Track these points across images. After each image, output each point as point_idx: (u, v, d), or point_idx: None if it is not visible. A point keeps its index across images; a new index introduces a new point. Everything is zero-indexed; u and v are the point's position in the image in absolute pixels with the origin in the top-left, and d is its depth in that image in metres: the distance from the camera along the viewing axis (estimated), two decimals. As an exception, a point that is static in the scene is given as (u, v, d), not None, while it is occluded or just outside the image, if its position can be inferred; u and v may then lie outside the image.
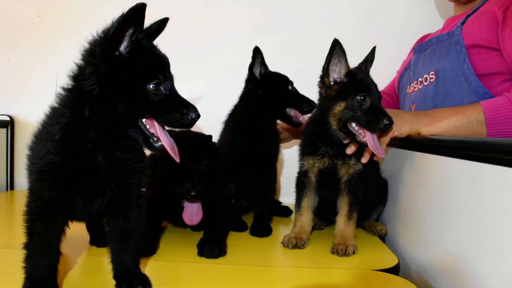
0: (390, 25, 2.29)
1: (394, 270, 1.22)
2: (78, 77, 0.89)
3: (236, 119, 1.69)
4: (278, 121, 1.75)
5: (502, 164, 0.89)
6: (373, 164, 1.59)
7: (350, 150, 1.38)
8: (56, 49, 2.31)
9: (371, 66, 1.45)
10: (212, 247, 1.26)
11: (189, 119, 0.92)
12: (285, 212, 1.95)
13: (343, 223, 1.40)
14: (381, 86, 1.38)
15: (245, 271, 1.16)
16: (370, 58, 1.45)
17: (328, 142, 1.41)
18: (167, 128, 0.96)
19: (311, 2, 2.33)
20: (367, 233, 1.61)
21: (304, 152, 1.48)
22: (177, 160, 0.96)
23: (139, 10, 0.84)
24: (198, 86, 2.29)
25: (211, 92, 2.29)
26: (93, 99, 0.86)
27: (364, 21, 2.30)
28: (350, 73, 1.36)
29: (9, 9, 2.39)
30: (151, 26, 0.98)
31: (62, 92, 0.92)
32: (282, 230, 1.64)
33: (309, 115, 1.60)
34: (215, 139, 1.70)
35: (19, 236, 0.93)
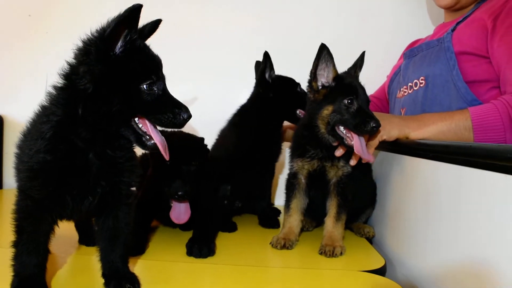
0: (381, 30, 2.32)
1: (381, 271, 1.23)
2: (71, 75, 0.89)
3: (246, 120, 1.74)
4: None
5: (487, 169, 0.91)
6: (366, 166, 1.61)
7: (339, 152, 1.39)
8: (46, 48, 2.30)
9: (360, 71, 1.47)
10: (201, 247, 1.26)
11: (181, 119, 0.94)
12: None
13: (331, 224, 1.41)
14: (371, 91, 1.39)
15: (234, 271, 1.17)
16: (359, 63, 1.47)
17: (317, 145, 1.42)
18: (159, 128, 0.97)
19: (303, 7, 2.35)
20: (355, 235, 1.63)
21: (294, 155, 1.50)
22: (167, 158, 0.97)
23: (135, 11, 0.85)
24: (190, 87, 2.30)
25: (203, 93, 2.30)
26: (87, 98, 0.87)
27: (355, 25, 2.33)
28: (337, 77, 1.37)
29: (-1, 8, 2.38)
30: (144, 27, 0.99)
31: (53, 90, 0.92)
32: (271, 231, 1.64)
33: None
34: (213, 139, 1.73)
35: (8, 234, 0.93)
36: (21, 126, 0.97)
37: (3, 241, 0.96)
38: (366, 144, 1.37)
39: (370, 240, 1.60)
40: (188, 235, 1.36)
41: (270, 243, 1.42)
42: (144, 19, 0.94)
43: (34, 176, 0.88)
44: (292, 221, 1.46)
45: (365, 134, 1.34)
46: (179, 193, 1.30)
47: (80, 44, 0.90)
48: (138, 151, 1.02)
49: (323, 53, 1.34)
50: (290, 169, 1.51)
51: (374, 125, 1.27)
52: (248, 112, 1.76)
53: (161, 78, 0.96)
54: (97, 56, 0.86)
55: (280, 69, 1.76)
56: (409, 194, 1.37)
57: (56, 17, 2.36)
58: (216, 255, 1.29)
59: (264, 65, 1.71)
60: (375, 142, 1.40)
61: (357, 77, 1.46)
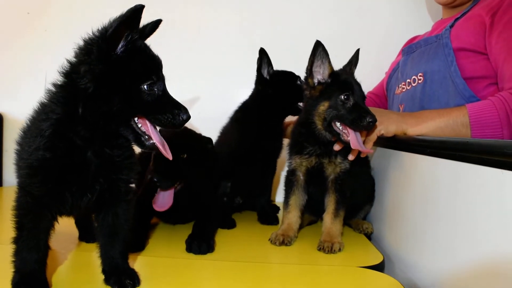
0: (377, 27, 2.33)
1: (379, 267, 1.24)
2: (72, 74, 0.90)
3: (247, 117, 1.74)
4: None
5: (483, 164, 0.92)
6: (364, 163, 1.62)
7: (337, 147, 1.40)
8: (45, 46, 2.31)
9: (355, 68, 1.48)
10: (200, 243, 1.27)
11: (180, 119, 0.95)
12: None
13: (329, 220, 1.42)
14: (367, 88, 1.40)
15: (233, 267, 1.18)
16: (354, 60, 1.48)
17: (315, 141, 1.43)
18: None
19: (298, 5, 2.36)
20: (353, 231, 1.64)
21: (292, 152, 1.50)
22: (169, 157, 0.98)
23: (137, 12, 0.85)
24: (189, 84, 2.30)
25: (202, 91, 2.31)
26: (87, 97, 0.87)
27: (351, 22, 2.34)
28: (333, 73, 1.38)
29: (-2, 6, 2.38)
30: (145, 26, 0.99)
31: (52, 88, 0.93)
32: (270, 228, 1.65)
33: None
34: (212, 135, 1.74)
35: (8, 231, 0.93)
36: (21, 124, 0.98)
37: (4, 238, 0.97)
38: (365, 140, 1.38)
39: (369, 236, 1.61)
40: (188, 231, 1.37)
41: (269, 239, 1.43)
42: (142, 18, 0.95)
43: (33, 173, 0.89)
44: (291, 217, 1.46)
45: (361, 130, 1.35)
46: (154, 179, 1.32)
47: (81, 43, 0.90)
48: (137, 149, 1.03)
49: (318, 50, 1.35)
50: (289, 166, 1.52)
51: (370, 120, 1.28)
52: (249, 109, 1.76)
53: (161, 78, 0.96)
54: (99, 56, 0.87)
55: (278, 66, 1.77)
56: (407, 190, 1.38)
57: (55, 14, 2.37)
58: (215, 251, 1.29)
59: (259, 63, 1.71)
60: (373, 136, 1.41)
61: (352, 73, 1.47)
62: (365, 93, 1.42)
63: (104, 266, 1.01)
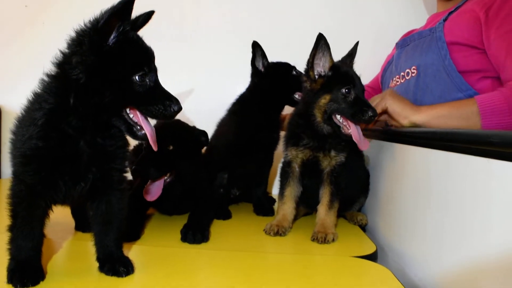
0: (373, 21, 2.33)
1: (372, 257, 1.25)
2: (64, 64, 0.90)
3: (244, 109, 1.75)
4: None
5: (471, 153, 0.93)
6: (358, 154, 1.63)
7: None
8: (43, 39, 2.31)
9: (353, 61, 1.48)
10: (195, 233, 1.28)
11: (171, 111, 0.95)
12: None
13: (324, 212, 1.43)
14: (363, 81, 1.41)
15: (227, 256, 1.19)
16: (353, 53, 1.48)
17: (312, 134, 1.43)
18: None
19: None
20: (348, 223, 1.65)
21: (288, 143, 1.51)
22: (155, 148, 0.99)
23: (128, 3, 0.86)
24: (185, 77, 2.31)
25: (198, 83, 2.32)
26: (79, 88, 0.88)
27: (348, 16, 2.35)
28: (334, 66, 1.38)
29: (-4, -2, 2.39)
30: (138, 18, 0.99)
31: (46, 78, 0.94)
32: (265, 219, 1.66)
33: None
34: (209, 128, 1.75)
35: (6, 221, 0.95)
36: (19, 116, 0.99)
37: (2, 228, 0.98)
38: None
39: (364, 227, 1.62)
40: (183, 221, 1.38)
41: (264, 230, 1.44)
42: (138, 9, 0.95)
43: (26, 161, 0.90)
44: (285, 208, 1.47)
45: (362, 123, 1.36)
46: (133, 167, 1.35)
47: (73, 34, 0.91)
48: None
49: (321, 43, 1.35)
50: (285, 157, 1.53)
51: (371, 114, 1.29)
52: (246, 101, 1.77)
53: (153, 69, 0.97)
54: (90, 47, 0.87)
55: (274, 59, 1.77)
56: (400, 181, 1.39)
57: (52, 7, 2.37)
58: (210, 241, 1.31)
59: (253, 56, 1.71)
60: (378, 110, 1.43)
61: (351, 66, 1.47)
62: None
63: (99, 254, 1.03)
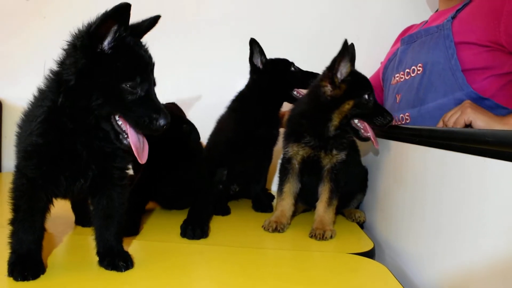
0: (371, 16, 2.33)
1: (369, 254, 1.26)
2: (62, 64, 0.92)
3: (243, 105, 1.76)
4: None
5: (467, 152, 0.94)
6: (356, 151, 1.65)
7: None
8: (44, 33, 2.32)
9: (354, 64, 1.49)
10: (194, 228, 1.29)
11: (157, 125, 0.92)
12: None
13: (322, 209, 1.44)
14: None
15: (225, 251, 1.21)
16: (353, 56, 1.48)
17: (315, 134, 1.44)
18: None
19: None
20: (346, 220, 1.66)
21: (289, 140, 1.51)
22: (140, 161, 0.96)
23: (122, 10, 0.85)
24: (186, 73, 2.32)
25: (199, 79, 2.32)
26: (68, 89, 0.89)
27: (346, 12, 2.33)
28: (353, 72, 1.40)
29: (-3, -7, 2.39)
30: (143, 22, 0.99)
31: (49, 75, 0.95)
32: (264, 215, 1.67)
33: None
34: (209, 123, 1.76)
35: (7, 216, 0.96)
36: (20, 110, 1.00)
37: (2, 221, 0.99)
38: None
39: (362, 225, 1.63)
40: (183, 217, 1.39)
41: (262, 226, 1.45)
42: (137, 9, 0.94)
43: (28, 156, 0.92)
44: (284, 204, 1.48)
45: (381, 127, 1.41)
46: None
47: (70, 37, 0.91)
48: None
49: (348, 49, 1.36)
50: (285, 154, 1.54)
51: (390, 118, 1.38)
52: (245, 98, 1.78)
53: (147, 79, 0.94)
54: (82, 51, 0.88)
55: (274, 55, 1.78)
56: (398, 179, 1.40)
57: (54, 2, 2.37)
58: (209, 237, 1.32)
59: (251, 53, 1.72)
60: (462, 123, 1.37)
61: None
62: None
63: (99, 248, 1.04)
